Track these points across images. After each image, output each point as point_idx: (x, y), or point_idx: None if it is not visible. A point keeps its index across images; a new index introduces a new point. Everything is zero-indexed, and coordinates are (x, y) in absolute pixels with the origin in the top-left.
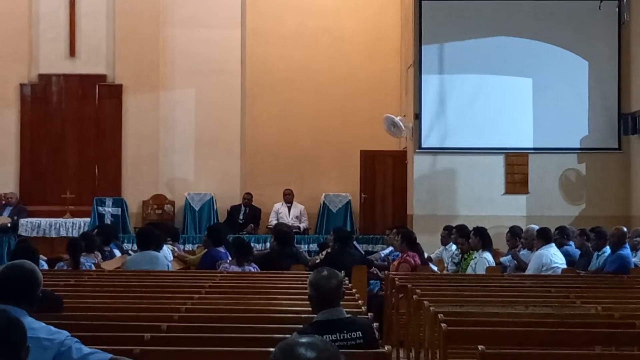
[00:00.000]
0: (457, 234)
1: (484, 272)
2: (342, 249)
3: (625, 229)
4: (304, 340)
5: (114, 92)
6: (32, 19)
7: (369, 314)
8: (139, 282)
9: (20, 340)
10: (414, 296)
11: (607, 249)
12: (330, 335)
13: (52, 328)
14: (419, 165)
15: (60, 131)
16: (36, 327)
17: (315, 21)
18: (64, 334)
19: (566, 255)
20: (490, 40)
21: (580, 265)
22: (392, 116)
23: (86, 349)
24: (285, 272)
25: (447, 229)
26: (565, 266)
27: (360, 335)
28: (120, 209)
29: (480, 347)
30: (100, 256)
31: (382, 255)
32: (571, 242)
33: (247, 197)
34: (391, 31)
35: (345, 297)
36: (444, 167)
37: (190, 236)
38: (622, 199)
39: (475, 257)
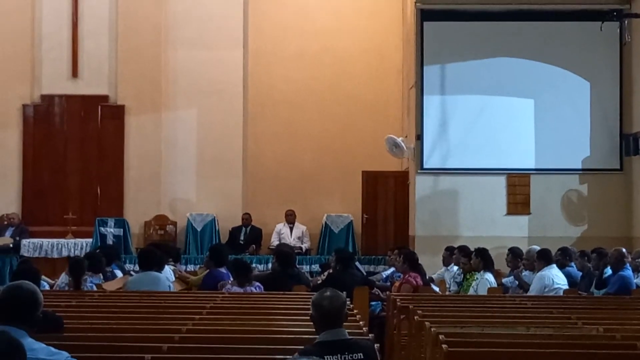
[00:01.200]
0: (460, 253)
1: (485, 293)
2: (344, 270)
3: (624, 250)
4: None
5: (116, 113)
6: (35, 39)
7: (370, 335)
8: (140, 302)
9: None
10: (416, 317)
11: (608, 270)
12: (331, 357)
13: (52, 349)
14: (420, 186)
15: (62, 152)
16: (36, 347)
17: (316, 42)
18: (64, 354)
19: (568, 276)
20: (492, 61)
21: (582, 287)
22: (394, 137)
23: None
24: (287, 292)
25: (449, 249)
26: (567, 287)
27: (362, 356)
28: (122, 230)
29: None
30: (102, 276)
31: (384, 275)
32: (573, 264)
33: (246, 217)
34: (393, 52)
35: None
36: (445, 188)
37: (192, 257)
38: (623, 220)
39: (477, 278)
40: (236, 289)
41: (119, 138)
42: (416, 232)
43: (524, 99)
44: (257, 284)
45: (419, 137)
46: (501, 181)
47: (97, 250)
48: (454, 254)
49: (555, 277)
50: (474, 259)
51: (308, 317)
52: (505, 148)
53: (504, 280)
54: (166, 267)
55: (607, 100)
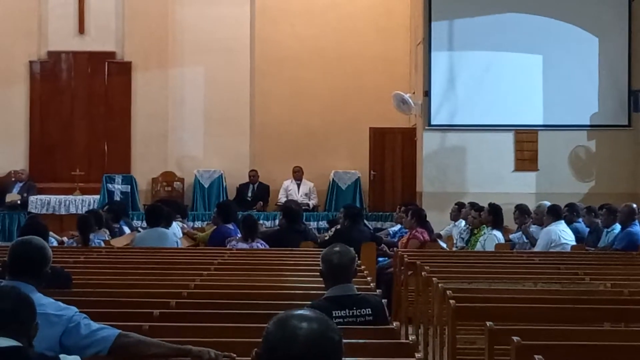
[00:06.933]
0: (471, 207)
1: (492, 249)
2: (352, 226)
3: (634, 206)
4: (297, 312)
5: (123, 70)
6: None
7: (378, 291)
8: (148, 258)
9: (29, 317)
10: (423, 273)
11: (617, 226)
12: (340, 312)
13: (61, 304)
14: (428, 142)
15: (69, 108)
16: (45, 303)
17: None
18: (73, 309)
19: (575, 232)
20: (500, 16)
21: (590, 242)
22: (402, 93)
23: (95, 325)
24: (293, 249)
25: (459, 204)
26: (574, 243)
27: (370, 312)
28: (129, 186)
29: (488, 323)
30: (108, 233)
31: (391, 232)
32: (580, 219)
33: (253, 174)
34: (400, 7)
35: None
36: (453, 144)
37: (200, 213)
38: (631, 176)
39: (485, 234)
40: (242, 245)
41: (126, 95)
42: (423, 188)
43: (532, 54)
44: (261, 241)
45: (427, 94)
46: (509, 137)
47: (105, 207)
48: (464, 207)
49: (562, 233)
50: (485, 213)
51: (315, 273)
52: (513, 104)
53: (511, 236)
54: (174, 223)
55: (616, 56)
